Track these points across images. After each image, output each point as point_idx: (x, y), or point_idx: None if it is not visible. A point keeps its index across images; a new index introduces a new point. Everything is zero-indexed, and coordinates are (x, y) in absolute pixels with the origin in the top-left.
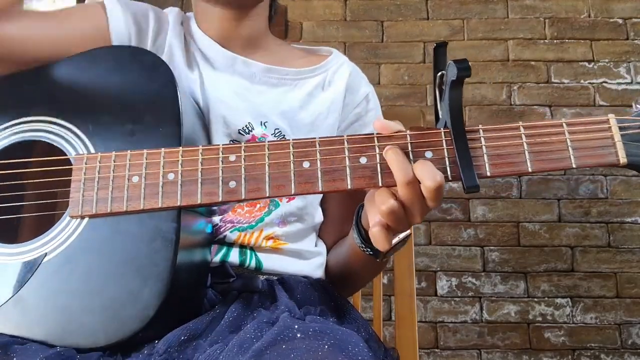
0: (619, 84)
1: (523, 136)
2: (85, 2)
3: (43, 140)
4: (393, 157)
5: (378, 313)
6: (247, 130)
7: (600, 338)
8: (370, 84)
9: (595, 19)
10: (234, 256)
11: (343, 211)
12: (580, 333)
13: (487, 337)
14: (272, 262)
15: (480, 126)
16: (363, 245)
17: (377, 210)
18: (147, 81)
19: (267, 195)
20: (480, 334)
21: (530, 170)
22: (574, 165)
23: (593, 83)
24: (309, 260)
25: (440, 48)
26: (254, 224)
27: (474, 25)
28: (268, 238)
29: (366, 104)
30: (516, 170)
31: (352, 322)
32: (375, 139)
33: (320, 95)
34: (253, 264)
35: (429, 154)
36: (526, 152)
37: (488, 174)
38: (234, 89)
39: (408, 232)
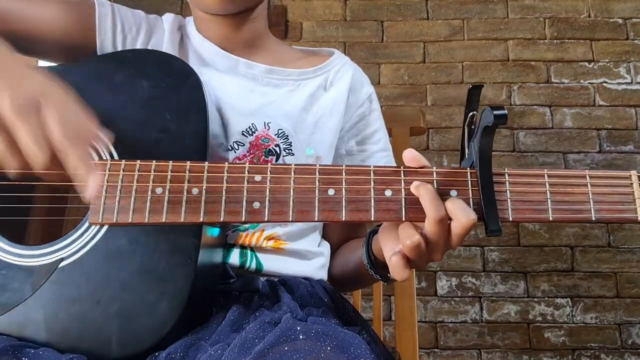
0: (619, 84)
1: (547, 184)
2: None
3: None
4: (426, 193)
5: (378, 313)
6: (250, 132)
7: (600, 338)
8: (371, 84)
9: (595, 19)
10: (235, 258)
11: None
12: (580, 333)
13: (487, 337)
14: (272, 264)
15: (506, 169)
16: (372, 271)
17: (396, 242)
18: (175, 89)
19: (291, 219)
20: (480, 334)
21: (550, 219)
22: (593, 218)
23: (593, 83)
24: (310, 260)
25: (476, 90)
26: (255, 224)
27: (474, 25)
28: (269, 238)
29: (369, 103)
30: (537, 218)
31: (354, 324)
32: (402, 172)
33: (323, 96)
34: (253, 265)
35: (453, 193)
36: (549, 201)
37: (510, 219)
38: (237, 91)
39: None
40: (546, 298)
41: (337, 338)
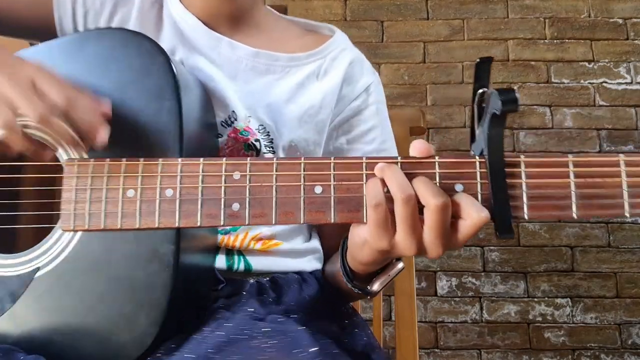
0: (619, 84)
1: (571, 174)
2: None
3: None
4: (392, 175)
5: (378, 313)
6: (229, 122)
7: (600, 338)
8: (374, 72)
9: (595, 19)
10: (221, 262)
11: None
12: (580, 333)
13: (487, 337)
14: (262, 263)
15: (521, 157)
16: (350, 284)
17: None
18: (145, 72)
19: (273, 222)
20: (480, 334)
21: (575, 217)
22: (627, 215)
23: (593, 83)
24: (302, 258)
25: (484, 64)
26: (237, 226)
27: (474, 25)
28: (256, 240)
29: (366, 96)
30: (559, 215)
31: (346, 317)
32: (399, 164)
33: (313, 85)
34: (242, 266)
35: (459, 187)
36: (573, 195)
37: (526, 217)
38: (217, 75)
39: (401, 266)
40: (546, 298)
41: (286, 339)
